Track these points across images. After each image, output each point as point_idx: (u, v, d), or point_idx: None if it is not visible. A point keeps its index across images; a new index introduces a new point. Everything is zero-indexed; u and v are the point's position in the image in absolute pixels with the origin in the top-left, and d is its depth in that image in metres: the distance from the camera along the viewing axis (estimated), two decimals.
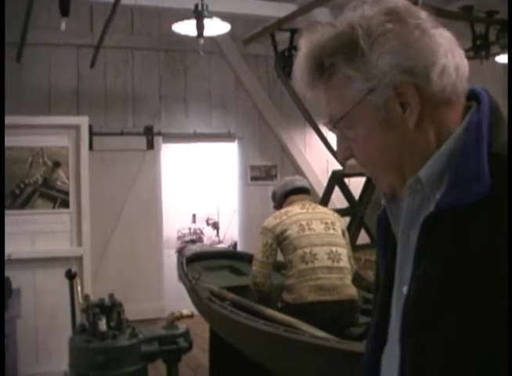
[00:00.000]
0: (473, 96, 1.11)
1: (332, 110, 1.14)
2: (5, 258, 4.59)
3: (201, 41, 4.71)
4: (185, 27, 5.07)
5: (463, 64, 1.09)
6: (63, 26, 4.42)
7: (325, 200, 6.45)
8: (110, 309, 1.90)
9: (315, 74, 1.11)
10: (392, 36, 1.05)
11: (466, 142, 1.04)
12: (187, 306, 3.59)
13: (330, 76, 1.10)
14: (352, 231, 6.20)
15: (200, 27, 4.66)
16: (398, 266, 1.15)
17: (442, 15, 5.58)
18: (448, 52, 1.07)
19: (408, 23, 1.06)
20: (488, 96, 1.10)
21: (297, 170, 7.83)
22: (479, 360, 0.95)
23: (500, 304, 0.94)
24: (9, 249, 4.82)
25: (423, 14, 1.09)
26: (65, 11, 4.45)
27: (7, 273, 4.45)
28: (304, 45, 1.12)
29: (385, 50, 1.05)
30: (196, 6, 4.70)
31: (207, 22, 4.75)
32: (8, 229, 5.12)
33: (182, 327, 1.88)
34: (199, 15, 4.65)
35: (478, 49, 6.19)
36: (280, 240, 3.84)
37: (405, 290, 1.09)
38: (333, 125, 1.14)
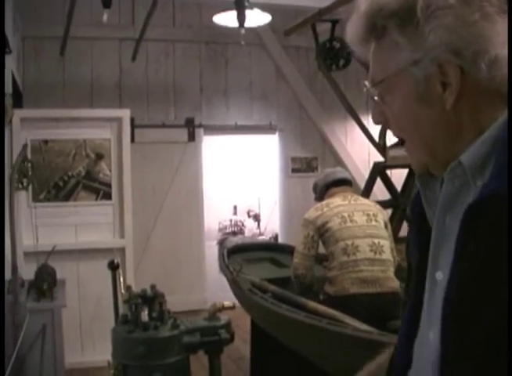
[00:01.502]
0: None
1: (374, 72, 1.14)
2: (50, 249, 4.66)
3: (242, 31, 4.69)
4: (226, 19, 5.06)
5: None
6: (105, 18, 4.45)
7: (366, 192, 6.38)
8: (152, 299, 1.91)
9: (367, 32, 1.11)
10: (450, 12, 1.02)
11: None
12: (228, 298, 3.59)
13: (380, 37, 1.10)
14: (394, 223, 6.13)
15: (240, 17, 4.64)
16: (431, 251, 1.12)
17: None
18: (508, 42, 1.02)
19: (472, 2, 1.02)
20: None
21: (339, 162, 7.77)
22: None
23: None
24: (54, 241, 4.89)
25: None
26: (107, 3, 4.48)
27: (52, 264, 4.52)
28: (364, 2, 1.11)
29: (439, 25, 1.02)
30: None
31: (247, 13, 4.72)
32: (52, 221, 5.21)
33: (223, 318, 1.87)
34: (239, 5, 4.63)
35: None
36: (322, 232, 3.81)
37: (438, 275, 1.09)
38: (372, 85, 1.14)
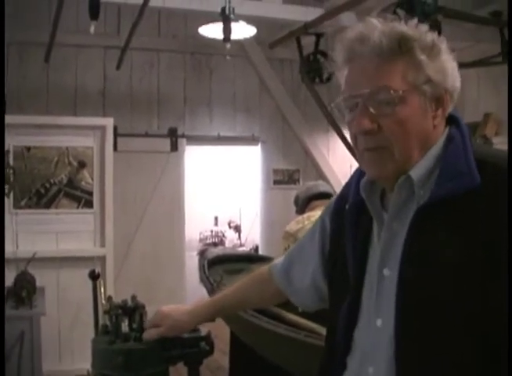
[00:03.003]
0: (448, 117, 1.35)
1: (386, 83, 1.27)
2: (31, 256, 4.64)
3: (228, 45, 4.67)
4: (212, 30, 5.07)
5: None
6: (92, 29, 4.45)
7: None
8: (133, 310, 1.91)
9: (394, 44, 1.27)
10: (450, 55, 1.33)
11: (454, 150, 1.27)
12: None
13: (406, 53, 1.27)
14: None
15: (226, 31, 4.63)
16: (381, 251, 1.32)
17: (471, 20, 5.54)
18: None
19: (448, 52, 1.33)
20: (461, 120, 1.35)
21: (320, 174, 7.81)
22: (476, 338, 1.16)
23: (494, 281, 1.15)
24: (34, 248, 4.89)
25: None
26: (94, 15, 4.48)
27: (32, 271, 4.50)
28: (392, 25, 1.29)
29: (450, 58, 1.31)
30: (223, 9, 4.65)
31: (233, 25, 4.72)
32: (33, 228, 5.19)
33: (204, 330, 1.88)
34: (226, 18, 4.62)
35: (507, 55, 6.13)
36: None
37: (385, 271, 1.30)
38: (393, 92, 1.26)
